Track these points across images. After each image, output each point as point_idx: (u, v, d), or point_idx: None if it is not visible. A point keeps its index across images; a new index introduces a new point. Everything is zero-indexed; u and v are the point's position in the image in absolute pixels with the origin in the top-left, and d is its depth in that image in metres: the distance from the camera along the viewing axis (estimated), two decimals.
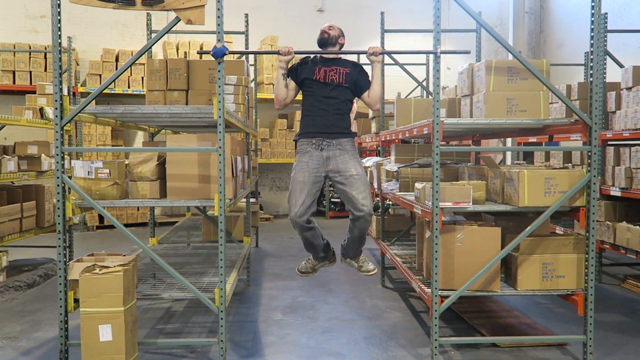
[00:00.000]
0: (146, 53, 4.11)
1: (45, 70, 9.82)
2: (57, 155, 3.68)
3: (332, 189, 11.53)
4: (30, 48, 9.75)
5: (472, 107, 4.41)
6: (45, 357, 4.06)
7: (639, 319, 4.97)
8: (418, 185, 4.33)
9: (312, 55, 4.02)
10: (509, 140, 10.51)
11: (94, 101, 3.77)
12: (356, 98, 4.11)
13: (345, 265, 4.33)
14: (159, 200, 4.04)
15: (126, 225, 9.52)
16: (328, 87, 3.89)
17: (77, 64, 10.31)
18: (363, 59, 9.31)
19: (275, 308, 5.28)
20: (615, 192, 5.78)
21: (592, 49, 3.81)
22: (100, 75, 10.17)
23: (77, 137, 9.38)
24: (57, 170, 3.68)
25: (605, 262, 6.72)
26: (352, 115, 9.08)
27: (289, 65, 4.07)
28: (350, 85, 3.93)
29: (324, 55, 3.98)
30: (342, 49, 4.13)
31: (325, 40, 3.96)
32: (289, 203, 3.83)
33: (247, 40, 6.92)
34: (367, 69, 4.10)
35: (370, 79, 4.05)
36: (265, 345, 4.31)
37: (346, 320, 4.89)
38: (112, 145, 10.30)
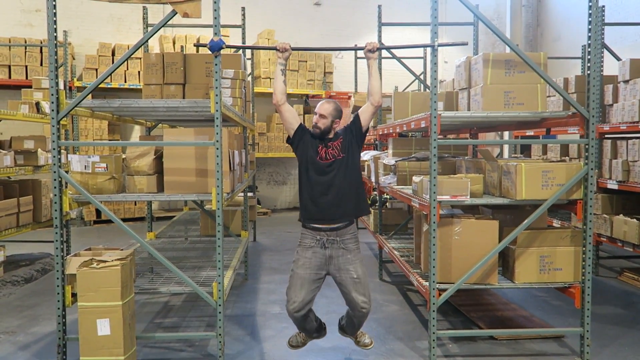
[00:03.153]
0: (142, 47, 4.10)
1: (41, 64, 9.78)
2: (54, 149, 3.67)
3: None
4: (25, 42, 9.70)
5: (469, 100, 4.40)
6: (43, 352, 4.06)
7: (636, 311, 4.99)
8: (416, 178, 4.33)
9: (317, 139, 3.69)
10: (506, 134, 10.51)
11: (90, 95, 3.75)
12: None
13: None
14: (156, 195, 4.04)
15: (123, 220, 9.50)
16: (330, 169, 3.62)
17: (73, 58, 10.26)
18: (360, 53, 9.29)
19: (273, 302, 5.29)
20: (613, 185, 5.79)
21: (589, 42, 3.80)
22: (96, 70, 10.12)
23: (73, 131, 9.35)
24: (54, 164, 3.66)
25: (602, 254, 6.74)
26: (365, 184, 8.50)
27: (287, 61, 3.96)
28: (347, 149, 3.67)
29: (326, 137, 3.67)
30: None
31: (320, 134, 3.67)
32: (288, 295, 3.65)
33: (244, 33, 6.89)
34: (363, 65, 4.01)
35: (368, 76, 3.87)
36: (264, 339, 4.32)
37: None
38: (109, 140, 10.26)
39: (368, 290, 3.65)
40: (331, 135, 3.68)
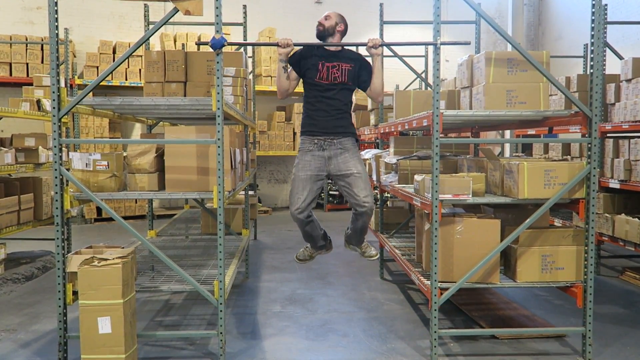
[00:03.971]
0: (144, 45, 4.09)
1: (42, 62, 9.76)
2: (55, 147, 3.66)
3: (330, 181, 11.50)
4: (26, 40, 9.68)
5: (471, 98, 4.39)
6: (44, 350, 4.05)
7: (638, 310, 4.98)
8: (417, 177, 4.32)
9: (314, 47, 3.94)
10: (507, 133, 10.50)
11: (91, 93, 3.75)
12: (355, 90, 4.10)
13: (349, 250, 4.50)
14: (157, 193, 4.03)
15: (124, 218, 9.49)
16: (330, 90, 3.88)
17: (74, 56, 10.25)
18: (362, 51, 9.29)
19: (274, 300, 5.28)
20: (614, 184, 5.78)
21: (592, 40, 3.79)
22: (97, 67, 10.11)
23: (74, 129, 9.33)
24: (55, 162, 3.66)
25: (604, 254, 6.73)
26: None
27: (289, 55, 4.03)
28: (353, 82, 3.93)
29: (327, 48, 3.91)
30: (344, 35, 4.05)
31: (322, 33, 3.89)
32: (290, 199, 3.87)
33: (245, 32, 6.88)
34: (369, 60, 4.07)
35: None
36: (265, 337, 4.31)
37: (345, 313, 4.89)
38: (110, 138, 10.26)
39: (369, 188, 3.88)
40: (335, 44, 3.85)
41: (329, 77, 3.78)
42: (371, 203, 3.87)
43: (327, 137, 3.85)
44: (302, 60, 3.93)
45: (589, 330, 3.83)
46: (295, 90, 4.25)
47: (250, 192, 6.99)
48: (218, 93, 3.62)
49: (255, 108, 8.51)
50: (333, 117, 3.89)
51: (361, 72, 3.96)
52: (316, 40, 4.02)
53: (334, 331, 4.45)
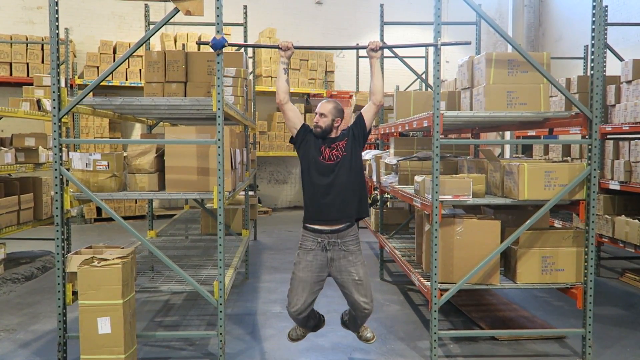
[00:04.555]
0: (144, 45, 4.09)
1: (43, 62, 9.77)
2: (55, 147, 3.66)
3: None
4: (27, 39, 9.68)
5: (472, 99, 4.39)
6: (44, 350, 4.05)
7: (637, 312, 4.98)
8: (418, 178, 4.32)
9: (320, 140, 3.66)
10: (507, 134, 10.49)
11: (91, 93, 3.74)
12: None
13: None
14: (157, 193, 4.03)
15: (124, 218, 9.47)
16: (333, 170, 3.59)
17: (75, 56, 10.25)
18: (361, 53, 9.27)
19: (274, 301, 5.28)
20: (615, 185, 5.77)
21: (593, 42, 3.79)
22: (97, 67, 10.11)
23: (74, 129, 9.33)
24: (55, 162, 3.66)
25: (604, 255, 6.73)
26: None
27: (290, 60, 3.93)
28: (350, 148, 3.62)
29: (328, 136, 3.64)
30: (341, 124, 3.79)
31: (322, 134, 3.64)
32: (289, 297, 3.64)
33: (245, 32, 6.88)
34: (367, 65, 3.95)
35: (371, 75, 3.86)
36: (264, 338, 4.31)
37: None
38: (110, 138, 10.26)
39: (370, 292, 3.64)
40: (334, 135, 3.64)
41: (331, 157, 3.58)
42: (371, 307, 3.64)
43: (331, 235, 3.57)
44: (308, 133, 3.69)
45: (589, 332, 3.83)
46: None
47: (250, 193, 6.99)
48: (218, 93, 3.62)
49: (255, 108, 8.51)
50: (338, 203, 3.57)
51: (355, 129, 3.70)
52: (316, 43, 3.99)
53: (333, 332, 4.44)
